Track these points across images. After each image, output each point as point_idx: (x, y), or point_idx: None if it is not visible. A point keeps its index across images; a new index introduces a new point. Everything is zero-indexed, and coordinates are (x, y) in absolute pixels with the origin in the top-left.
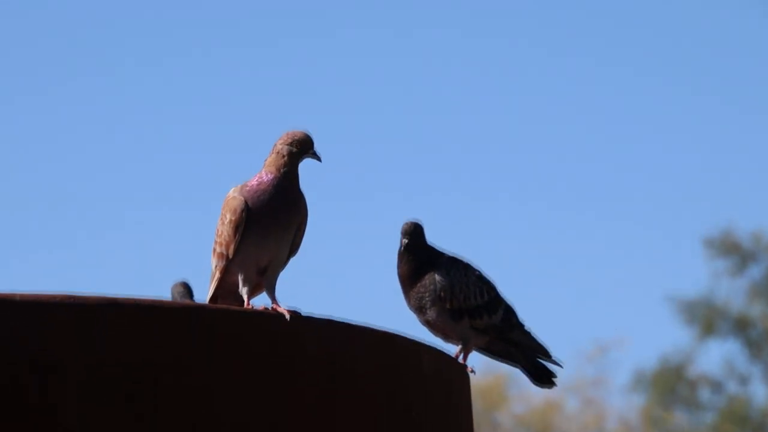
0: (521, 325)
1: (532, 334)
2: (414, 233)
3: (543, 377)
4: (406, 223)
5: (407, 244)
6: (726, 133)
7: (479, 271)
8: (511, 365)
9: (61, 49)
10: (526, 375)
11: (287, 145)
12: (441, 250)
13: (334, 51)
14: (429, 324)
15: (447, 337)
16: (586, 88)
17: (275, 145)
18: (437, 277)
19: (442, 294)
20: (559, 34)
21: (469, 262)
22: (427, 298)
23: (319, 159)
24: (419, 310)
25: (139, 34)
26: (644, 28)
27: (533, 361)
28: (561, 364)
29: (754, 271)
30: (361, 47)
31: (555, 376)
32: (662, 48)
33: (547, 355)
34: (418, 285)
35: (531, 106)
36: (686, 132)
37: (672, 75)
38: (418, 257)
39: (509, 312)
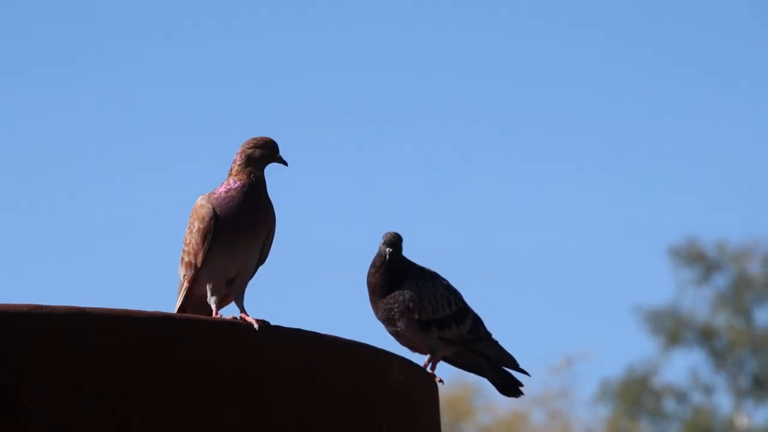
0: (489, 336)
1: (500, 345)
2: (397, 245)
3: (510, 388)
4: (390, 233)
5: (392, 253)
6: (690, 144)
7: (447, 282)
8: (479, 375)
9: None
10: (494, 385)
11: (255, 148)
12: (411, 261)
13: (299, 59)
14: (397, 335)
15: (415, 347)
16: (548, 98)
17: (240, 151)
18: (406, 288)
19: (410, 305)
20: (512, 36)
21: (437, 273)
22: (395, 309)
23: (285, 163)
24: (388, 320)
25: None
26: (601, 38)
27: (500, 371)
28: (528, 373)
29: (719, 281)
30: (328, 52)
31: (522, 386)
32: (628, 58)
33: (514, 366)
34: (387, 296)
35: (494, 115)
36: (651, 143)
37: (634, 86)
38: (391, 268)
39: (477, 323)
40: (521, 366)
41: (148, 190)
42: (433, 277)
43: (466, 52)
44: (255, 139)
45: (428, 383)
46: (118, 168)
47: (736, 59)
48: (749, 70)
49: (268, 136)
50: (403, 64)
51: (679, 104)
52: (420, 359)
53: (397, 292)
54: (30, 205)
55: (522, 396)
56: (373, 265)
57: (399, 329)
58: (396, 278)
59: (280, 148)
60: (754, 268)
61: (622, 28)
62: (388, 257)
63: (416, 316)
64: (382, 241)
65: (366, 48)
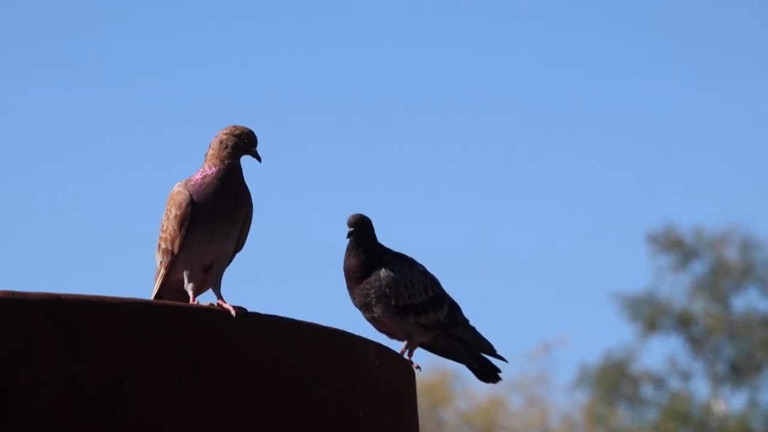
0: (466, 322)
1: (477, 331)
2: (359, 225)
3: (488, 374)
4: (352, 215)
5: (352, 233)
6: (668, 130)
7: (423, 267)
8: (457, 361)
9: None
10: (472, 371)
11: (232, 136)
12: (387, 247)
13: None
14: (374, 321)
15: (393, 334)
16: (524, 87)
17: (217, 136)
18: (382, 273)
19: (387, 291)
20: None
21: (413, 259)
22: (372, 295)
23: (259, 159)
24: (365, 307)
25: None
26: (578, 27)
27: (478, 357)
28: (506, 359)
29: (696, 267)
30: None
31: (500, 371)
32: (607, 45)
33: (492, 352)
34: (364, 282)
35: (473, 103)
36: (628, 130)
37: (612, 75)
38: (365, 254)
39: (454, 308)
40: (498, 352)
41: (126, 180)
42: (410, 263)
43: (452, 46)
44: (234, 127)
45: (405, 370)
46: (99, 157)
47: (716, 47)
48: (727, 57)
49: (247, 127)
50: (401, 61)
51: (656, 91)
52: (398, 346)
53: (373, 278)
54: (6, 193)
55: (500, 381)
56: (347, 251)
57: (376, 315)
58: (371, 264)
59: (258, 142)
60: (731, 254)
61: (598, 17)
62: (349, 239)
63: (393, 302)
64: (346, 223)
65: (365, 46)
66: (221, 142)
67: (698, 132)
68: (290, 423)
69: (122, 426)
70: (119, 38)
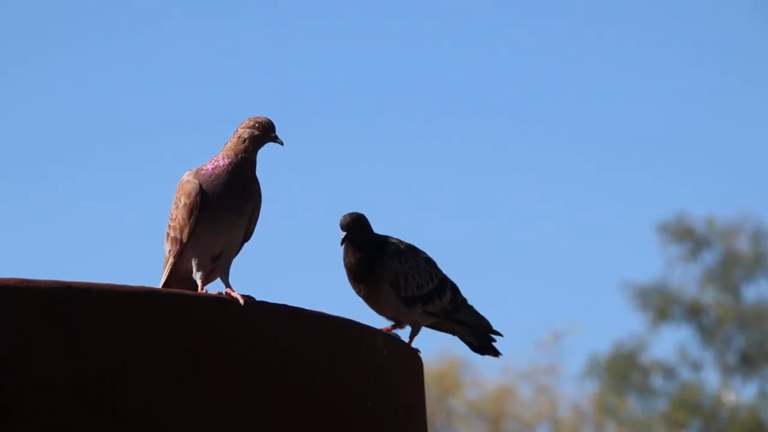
0: (465, 302)
1: (475, 309)
2: (352, 227)
3: (486, 348)
4: (343, 216)
5: (346, 237)
6: (679, 120)
7: (425, 254)
8: (455, 336)
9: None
10: (468, 346)
11: (249, 128)
12: (385, 236)
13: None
14: (381, 312)
15: (399, 322)
16: (536, 77)
17: (236, 130)
18: (388, 266)
19: (395, 283)
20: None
21: (413, 245)
22: (381, 288)
23: (281, 143)
24: (371, 300)
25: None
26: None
27: (478, 335)
28: (502, 334)
29: (707, 257)
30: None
31: (495, 341)
32: (617, 35)
33: (489, 329)
34: (369, 275)
35: (484, 92)
36: (640, 119)
37: (624, 61)
38: (364, 247)
39: (455, 291)
40: (495, 329)
41: (133, 170)
42: (413, 251)
43: (452, 44)
44: (251, 119)
45: (413, 360)
46: (107, 146)
47: (728, 37)
48: (741, 47)
49: (265, 116)
50: (398, 58)
51: (668, 81)
52: (404, 334)
53: (378, 271)
54: (16, 183)
55: (500, 356)
56: (344, 249)
57: (385, 307)
58: (373, 257)
59: (276, 128)
60: (742, 244)
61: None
62: (341, 242)
63: (402, 294)
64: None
65: (365, 43)
66: (239, 137)
67: (710, 121)
68: (298, 411)
69: (127, 414)
70: (139, 28)
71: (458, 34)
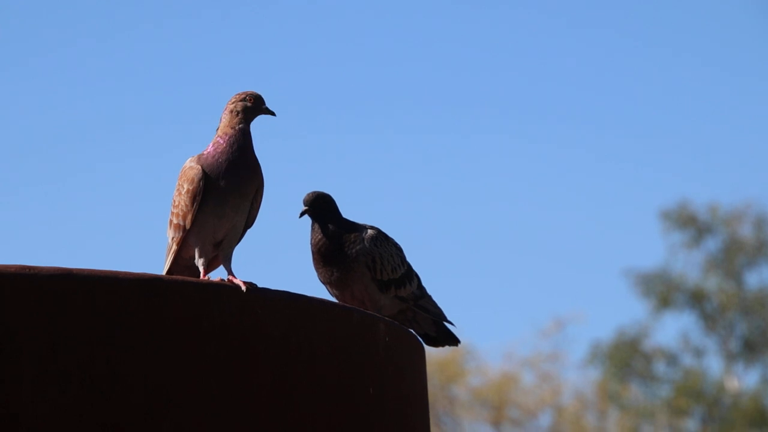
0: (425, 290)
1: (433, 299)
2: (314, 203)
3: (445, 339)
4: (308, 194)
5: (306, 211)
6: (682, 107)
7: (393, 240)
8: (414, 330)
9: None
10: (424, 339)
11: (240, 101)
12: (351, 221)
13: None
14: (351, 297)
15: (365, 307)
16: (540, 65)
17: (226, 107)
18: (366, 248)
19: (371, 265)
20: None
21: (380, 229)
22: (355, 270)
23: (272, 113)
24: (342, 283)
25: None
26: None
27: (439, 324)
28: (454, 324)
29: (710, 244)
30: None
31: (454, 329)
32: (620, 24)
33: (444, 319)
34: (343, 257)
35: (481, 85)
36: (643, 105)
37: (627, 51)
38: (336, 229)
39: (419, 278)
40: (448, 318)
41: (137, 156)
42: (385, 237)
43: (452, 42)
44: (239, 93)
45: (415, 347)
46: (111, 134)
47: (731, 26)
48: (744, 36)
49: (252, 90)
50: (396, 56)
51: (670, 68)
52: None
53: (352, 252)
54: (19, 171)
55: (459, 343)
56: (312, 229)
57: (354, 291)
58: (342, 239)
59: (265, 100)
60: (745, 231)
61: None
62: (301, 216)
63: (378, 276)
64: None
65: (364, 41)
66: (231, 111)
67: (712, 108)
68: (300, 399)
69: (130, 400)
70: (147, 17)
71: (456, 23)
